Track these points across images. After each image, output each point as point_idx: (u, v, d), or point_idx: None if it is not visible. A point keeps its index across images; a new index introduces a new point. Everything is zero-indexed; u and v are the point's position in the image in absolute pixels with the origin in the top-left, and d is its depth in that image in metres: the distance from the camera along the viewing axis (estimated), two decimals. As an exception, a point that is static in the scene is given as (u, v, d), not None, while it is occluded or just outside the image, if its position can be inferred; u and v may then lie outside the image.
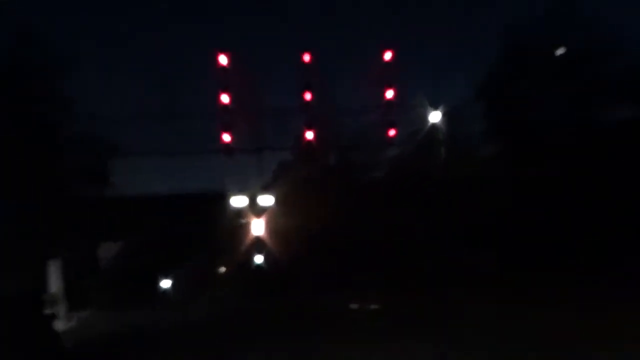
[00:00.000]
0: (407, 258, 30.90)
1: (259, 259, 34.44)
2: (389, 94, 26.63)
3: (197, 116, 28.07)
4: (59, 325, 21.58)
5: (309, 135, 26.68)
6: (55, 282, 27.69)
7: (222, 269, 35.58)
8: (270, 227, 32.49)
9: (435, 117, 31.42)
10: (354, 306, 26.22)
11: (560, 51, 30.55)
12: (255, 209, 31.18)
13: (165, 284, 43.74)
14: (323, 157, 33.88)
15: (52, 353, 12.81)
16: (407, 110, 30.58)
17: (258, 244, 33.19)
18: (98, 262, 39.55)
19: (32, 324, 12.78)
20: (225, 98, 24.55)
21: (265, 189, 31.87)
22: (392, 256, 31.03)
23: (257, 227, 31.72)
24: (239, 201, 31.62)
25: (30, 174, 24.13)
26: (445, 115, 31.55)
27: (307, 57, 25.38)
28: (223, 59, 24.62)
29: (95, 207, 28.88)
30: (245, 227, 32.44)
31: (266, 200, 31.70)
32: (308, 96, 26.14)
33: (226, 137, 24.97)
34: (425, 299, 25.29)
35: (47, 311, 20.39)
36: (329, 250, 31.70)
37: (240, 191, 31.53)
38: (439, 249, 30.70)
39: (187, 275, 37.16)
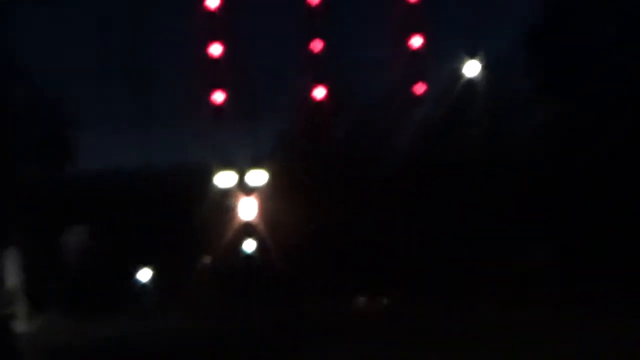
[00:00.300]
0: (438, 251, 30.66)
1: (249, 247, 33.33)
2: (416, 42, 26.38)
3: (171, 74, 27.57)
4: (17, 327, 21.61)
5: (319, 94, 26.42)
6: (11, 277, 27.54)
7: (206, 261, 34.45)
8: (264, 210, 31.43)
9: (472, 70, 30.87)
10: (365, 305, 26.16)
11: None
12: (245, 189, 29.75)
13: (142, 277, 45.32)
14: (335, 121, 33.53)
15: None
16: (437, 63, 30.17)
17: (248, 231, 32.08)
18: (63, 253, 39.58)
19: None
20: (215, 49, 24.26)
21: (258, 164, 30.54)
22: (418, 248, 30.80)
23: (248, 210, 30.50)
24: (225, 179, 30.15)
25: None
26: (484, 68, 31.11)
27: (315, -1, 25.19)
28: (212, 2, 24.31)
29: (54, 188, 28.69)
30: (233, 211, 31.37)
31: (258, 177, 30.55)
32: (317, 46, 25.89)
33: (217, 97, 24.66)
34: (458, 302, 25.24)
35: (2, 311, 20.47)
36: (338, 239, 31.18)
37: (227, 166, 30.10)
38: (478, 238, 30.44)
39: (165, 268, 36.23)
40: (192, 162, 31.87)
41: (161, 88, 27.62)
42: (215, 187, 30.83)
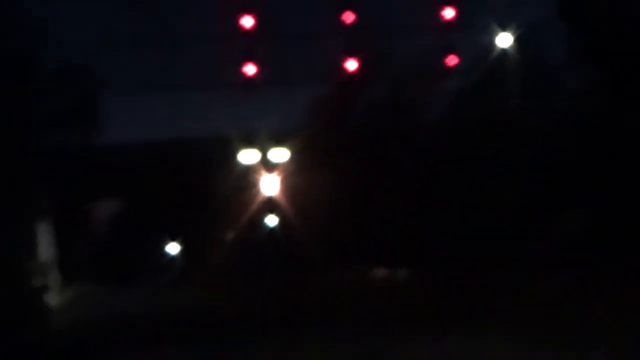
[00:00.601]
0: (471, 224, 30.18)
1: (271, 222, 34.19)
2: (448, 13, 25.72)
3: (202, 44, 27.09)
4: (51, 300, 21.44)
5: (351, 65, 25.91)
6: (45, 249, 27.34)
7: (230, 235, 34.57)
8: (287, 185, 31.63)
9: (505, 41, 30.12)
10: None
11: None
12: (268, 165, 30.25)
13: (172, 249, 44.83)
14: (366, 92, 32.95)
15: (41, 333, 12.32)
16: (470, 34, 29.49)
17: (270, 206, 32.67)
18: (97, 223, 39.43)
19: (15, 298, 12.19)
20: (247, 21, 23.72)
21: (281, 140, 30.61)
22: (451, 222, 30.33)
23: (270, 185, 30.95)
24: (248, 156, 30.64)
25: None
26: (518, 38, 30.28)
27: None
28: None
29: (84, 157, 28.32)
30: (256, 186, 31.73)
31: (281, 154, 30.94)
32: (349, 17, 25.31)
33: (249, 69, 24.21)
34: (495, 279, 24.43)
35: (36, 283, 20.23)
36: (357, 214, 31.06)
37: (252, 143, 30.33)
38: (512, 210, 29.89)
39: (193, 242, 37.63)
40: (221, 133, 30.72)
41: (192, 58, 27.06)
42: (240, 163, 30.99)
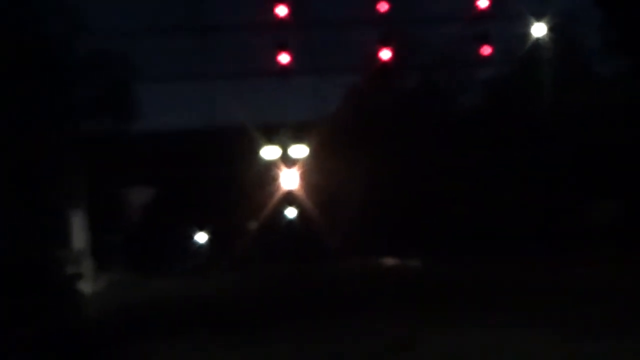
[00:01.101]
0: (502, 210, 29.62)
1: (291, 213, 37.65)
2: (483, 2, 25.11)
3: (236, 30, 26.88)
4: (84, 287, 21.17)
5: (385, 54, 25.29)
6: (78, 237, 27.04)
7: (253, 225, 36.52)
8: (305, 180, 32.84)
9: (539, 30, 29.35)
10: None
11: None
12: (288, 161, 31.33)
13: (201, 238, 47.93)
14: (400, 80, 32.47)
15: (74, 321, 12.04)
16: (504, 23, 28.85)
17: (290, 199, 34.84)
18: (129, 212, 39.25)
19: (49, 287, 11.94)
20: (281, 10, 23.17)
21: (300, 137, 31.60)
22: (483, 210, 29.81)
23: (290, 180, 32.22)
24: (270, 152, 31.64)
25: (33, 104, 23.14)
26: (552, 28, 29.49)
27: (381, -44, 23.90)
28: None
29: (118, 145, 27.95)
30: (277, 180, 32.83)
31: (300, 151, 31.92)
32: (383, 6, 24.70)
33: (283, 58, 23.66)
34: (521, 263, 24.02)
35: (70, 271, 19.94)
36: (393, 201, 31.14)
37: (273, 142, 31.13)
38: (545, 197, 29.30)
39: (220, 231, 40.45)
40: (255, 121, 31.40)
41: (226, 46, 26.69)
42: (263, 159, 32.20)
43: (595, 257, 23.14)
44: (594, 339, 10.35)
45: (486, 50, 25.98)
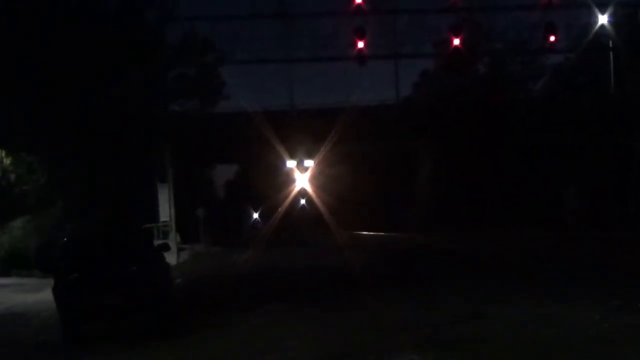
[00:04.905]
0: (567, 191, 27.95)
1: (302, 201, 54.37)
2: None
3: (317, 17, 25.76)
4: (171, 258, 20.01)
5: (456, 41, 23.81)
6: (164, 209, 25.97)
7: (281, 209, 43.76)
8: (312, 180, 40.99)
9: (604, 19, 27.33)
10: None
11: None
12: (302, 167, 36.97)
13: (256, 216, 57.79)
14: (471, 66, 30.80)
15: (161, 289, 11.08)
16: (571, 11, 26.99)
17: (302, 193, 46.54)
18: (213, 188, 38.96)
19: (137, 256, 10.99)
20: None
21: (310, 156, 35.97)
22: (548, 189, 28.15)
23: (303, 180, 40.67)
24: (290, 163, 37.30)
25: (127, 87, 22.07)
26: (619, 16, 28.09)
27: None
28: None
29: (205, 124, 26.82)
30: (294, 181, 40.92)
31: (309, 162, 36.83)
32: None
33: (360, 44, 22.36)
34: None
35: (158, 242, 19.00)
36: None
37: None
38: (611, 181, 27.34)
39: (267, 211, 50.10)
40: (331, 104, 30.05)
41: (307, 32, 25.38)
42: (285, 167, 38.47)
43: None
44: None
45: (552, 38, 24.67)
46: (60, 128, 19.80)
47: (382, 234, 35.71)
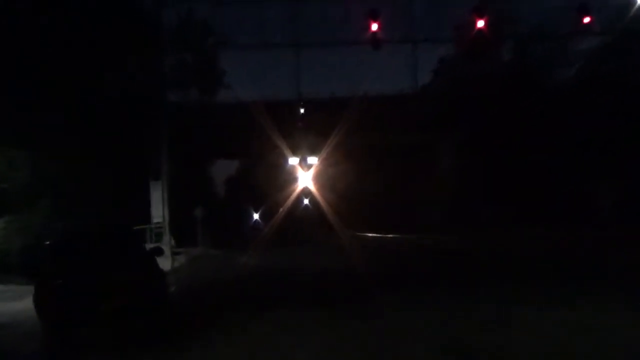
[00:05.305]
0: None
1: (306, 200, 59.16)
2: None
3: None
4: (164, 263, 19.99)
5: (480, 22, 23.72)
6: (158, 210, 25.93)
7: (283, 209, 46.00)
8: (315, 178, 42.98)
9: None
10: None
11: None
12: (305, 166, 38.92)
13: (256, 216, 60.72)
14: (494, 51, 30.66)
15: (153, 298, 11.15)
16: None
17: (305, 191, 48.95)
18: (212, 186, 38.83)
19: (128, 260, 11.09)
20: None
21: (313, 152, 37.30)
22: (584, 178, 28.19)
23: (305, 178, 42.69)
24: (293, 160, 39.10)
25: (118, 72, 22.09)
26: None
27: None
28: None
29: (204, 115, 26.80)
30: (297, 180, 43.83)
31: (312, 159, 38.90)
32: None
33: (374, 25, 22.29)
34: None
35: (149, 245, 19.09)
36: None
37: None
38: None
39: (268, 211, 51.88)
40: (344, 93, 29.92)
41: (316, 15, 25.47)
42: (287, 165, 40.63)
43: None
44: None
45: (586, 19, 24.54)
46: (47, 119, 19.76)
47: (395, 235, 35.61)
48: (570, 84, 30.41)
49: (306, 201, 59.75)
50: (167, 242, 25.27)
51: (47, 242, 12.11)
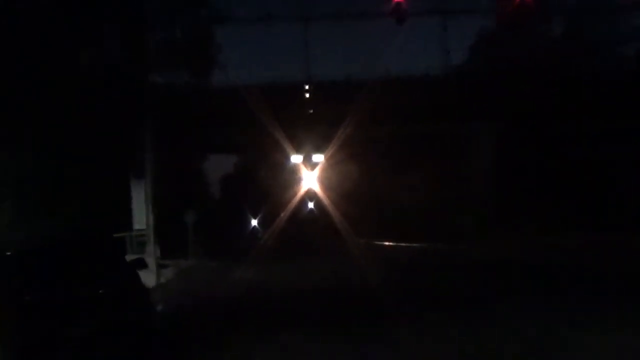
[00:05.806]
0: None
1: (310, 203, 60.93)
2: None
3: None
4: (148, 278, 19.50)
5: None
6: (140, 214, 25.54)
7: (285, 213, 48.07)
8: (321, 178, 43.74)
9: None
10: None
11: None
12: (310, 164, 39.58)
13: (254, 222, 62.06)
14: (541, 24, 30.26)
15: (133, 322, 10.77)
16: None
17: (310, 193, 50.62)
18: (205, 185, 38.74)
19: (103, 275, 10.79)
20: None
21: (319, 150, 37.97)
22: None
23: (310, 179, 43.80)
24: (296, 159, 39.52)
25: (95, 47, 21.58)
26: None
27: None
28: None
29: (195, 102, 26.32)
30: (300, 180, 45.13)
31: (318, 157, 39.35)
32: None
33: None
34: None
35: (130, 256, 18.44)
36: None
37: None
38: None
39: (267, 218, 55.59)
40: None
41: None
42: (289, 163, 41.22)
43: None
44: None
45: None
46: (8, 105, 19.23)
47: (421, 244, 34.99)
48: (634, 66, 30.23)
49: (311, 204, 60.34)
50: (151, 253, 24.79)
51: (7, 253, 11.28)
